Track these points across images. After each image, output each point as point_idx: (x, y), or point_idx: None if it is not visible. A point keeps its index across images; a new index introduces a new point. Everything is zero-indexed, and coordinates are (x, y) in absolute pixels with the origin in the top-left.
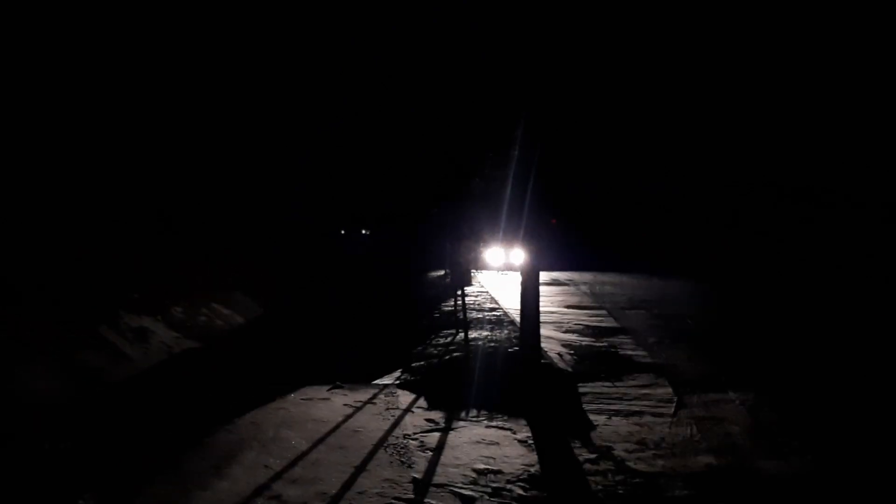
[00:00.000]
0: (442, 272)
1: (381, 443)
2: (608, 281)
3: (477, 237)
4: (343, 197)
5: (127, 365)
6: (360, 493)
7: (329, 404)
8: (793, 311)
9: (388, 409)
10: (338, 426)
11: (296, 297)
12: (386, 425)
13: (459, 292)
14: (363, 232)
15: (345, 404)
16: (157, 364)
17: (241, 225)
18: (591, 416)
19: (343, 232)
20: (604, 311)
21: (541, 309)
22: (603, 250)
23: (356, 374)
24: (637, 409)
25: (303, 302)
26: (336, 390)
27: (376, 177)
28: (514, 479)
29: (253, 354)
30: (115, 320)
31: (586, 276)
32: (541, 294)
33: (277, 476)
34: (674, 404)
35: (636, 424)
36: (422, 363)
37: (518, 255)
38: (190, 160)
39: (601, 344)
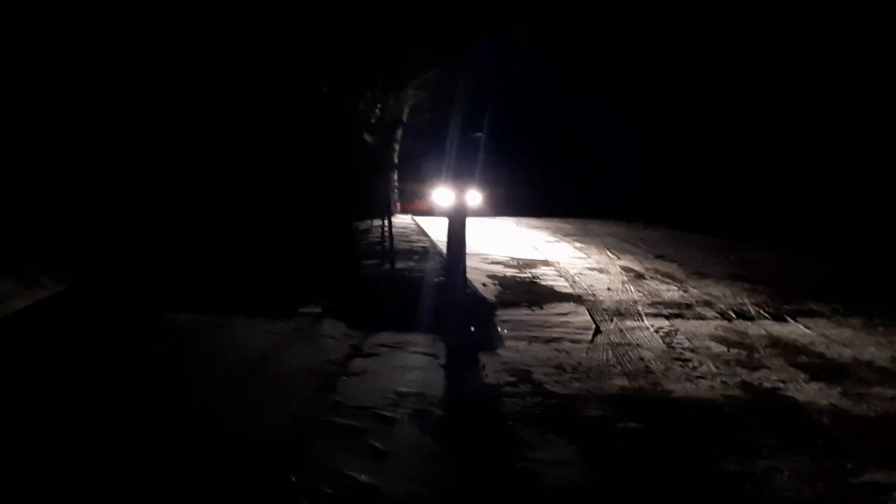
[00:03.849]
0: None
1: (305, 368)
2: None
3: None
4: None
5: None
6: (282, 414)
7: (253, 332)
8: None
9: (312, 336)
10: (261, 353)
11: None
12: (310, 352)
13: (385, 221)
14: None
15: (270, 332)
16: None
17: None
18: (513, 342)
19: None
20: (532, 246)
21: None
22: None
23: (281, 303)
24: (557, 335)
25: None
26: (260, 318)
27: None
28: (436, 402)
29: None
30: None
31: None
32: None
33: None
34: (592, 331)
35: (555, 350)
36: (347, 291)
37: (474, 196)
38: None
39: (525, 275)
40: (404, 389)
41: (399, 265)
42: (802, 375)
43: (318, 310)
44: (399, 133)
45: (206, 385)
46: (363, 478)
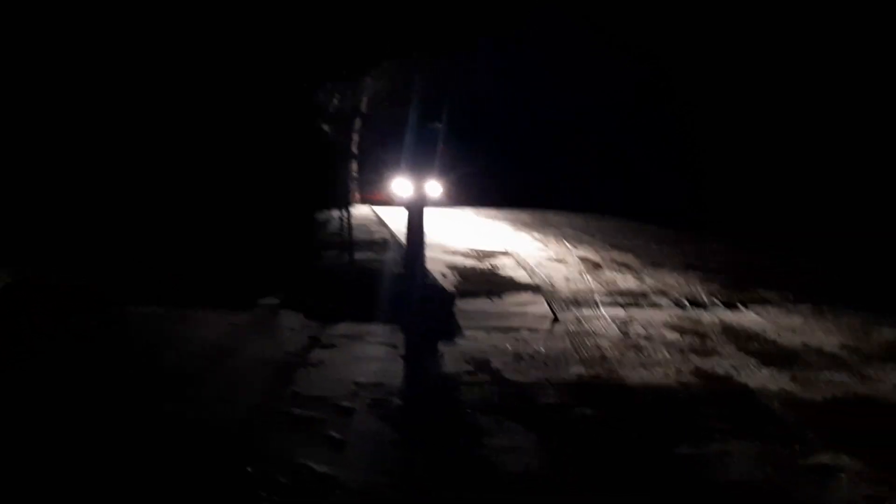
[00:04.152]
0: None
1: (263, 360)
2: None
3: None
4: None
5: None
6: (240, 406)
7: (211, 324)
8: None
9: (270, 327)
10: (219, 344)
11: None
12: (268, 343)
13: (344, 212)
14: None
15: (227, 323)
16: None
17: None
18: (472, 332)
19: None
20: (492, 236)
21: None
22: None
23: (239, 294)
24: (515, 325)
25: None
26: (218, 310)
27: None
28: (395, 392)
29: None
30: None
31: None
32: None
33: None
34: (549, 320)
35: (514, 339)
36: (306, 282)
37: (434, 187)
38: None
39: (484, 265)
40: (363, 380)
41: (358, 256)
42: (754, 362)
43: (277, 301)
44: (358, 123)
45: (161, 378)
46: (321, 468)
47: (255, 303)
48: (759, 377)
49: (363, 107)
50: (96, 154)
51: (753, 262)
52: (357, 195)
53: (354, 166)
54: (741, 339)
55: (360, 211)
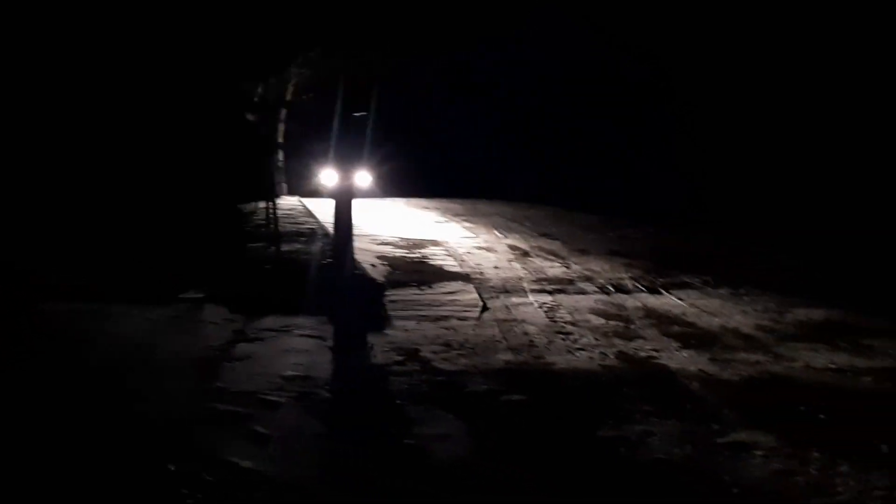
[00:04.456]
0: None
1: (186, 355)
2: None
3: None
4: None
5: None
6: (162, 402)
7: (132, 319)
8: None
9: (193, 321)
10: (140, 340)
11: None
12: (191, 338)
13: (271, 204)
14: None
15: (148, 319)
16: None
17: None
18: (401, 322)
19: None
20: (422, 226)
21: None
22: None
23: (161, 289)
24: (445, 313)
25: None
26: (139, 305)
27: None
28: (322, 384)
29: None
30: None
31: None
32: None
33: None
34: (479, 309)
35: (443, 328)
36: (231, 275)
37: (363, 177)
38: None
39: (414, 255)
40: (290, 373)
41: (285, 248)
42: (675, 344)
43: (201, 295)
44: (283, 112)
45: (81, 375)
46: (246, 463)
47: (177, 297)
48: (680, 359)
49: (289, 96)
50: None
51: (675, 248)
52: (284, 186)
53: (281, 156)
54: (663, 322)
55: (288, 202)
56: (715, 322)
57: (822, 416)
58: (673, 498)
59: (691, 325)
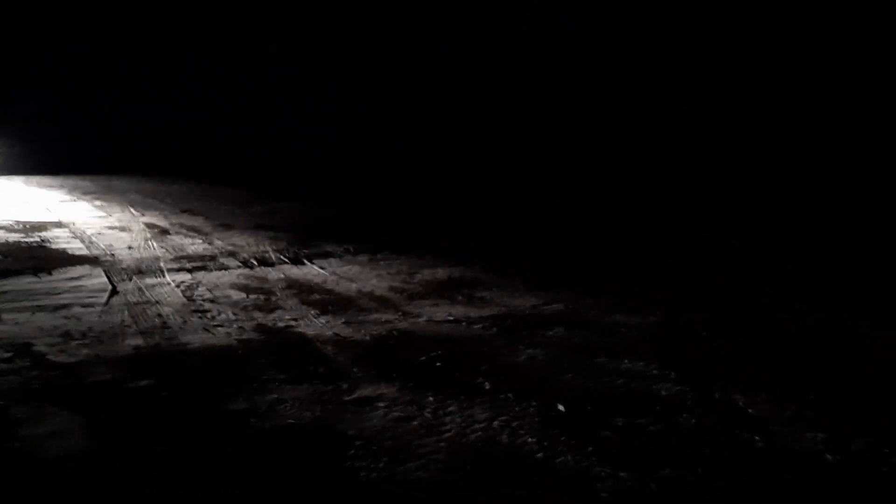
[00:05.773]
0: None
1: None
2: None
3: None
4: None
5: None
6: None
7: None
8: None
9: None
10: None
11: None
12: None
13: None
14: None
15: None
16: None
17: None
18: (12, 315)
19: None
20: (44, 207)
21: None
22: None
23: None
24: (66, 301)
25: None
26: None
27: None
28: None
29: None
30: None
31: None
32: None
33: None
34: (107, 293)
35: (63, 318)
36: None
37: None
38: None
39: (32, 239)
40: None
41: None
42: (313, 311)
43: None
44: None
45: None
46: None
47: None
48: (317, 325)
49: None
50: None
51: (321, 218)
52: None
53: None
54: (304, 291)
55: None
56: (353, 287)
57: (438, 364)
58: (300, 457)
59: (330, 291)
